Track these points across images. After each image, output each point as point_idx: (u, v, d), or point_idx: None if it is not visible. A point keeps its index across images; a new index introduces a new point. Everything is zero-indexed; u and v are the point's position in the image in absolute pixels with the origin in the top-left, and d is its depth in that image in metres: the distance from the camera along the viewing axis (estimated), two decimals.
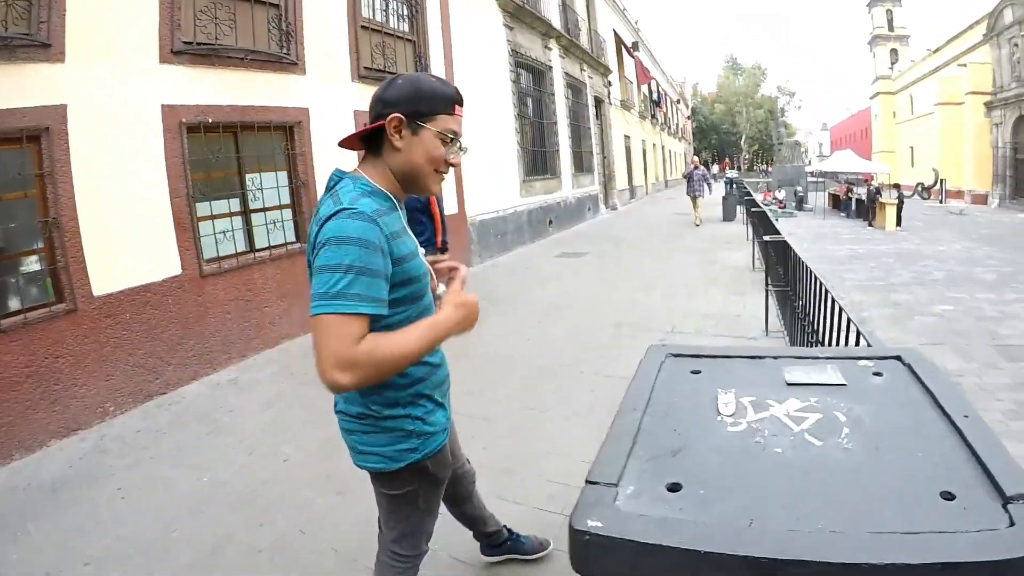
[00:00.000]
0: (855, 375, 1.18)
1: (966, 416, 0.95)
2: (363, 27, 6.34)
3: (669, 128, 32.81)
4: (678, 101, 39.34)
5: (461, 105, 1.20)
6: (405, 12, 7.23)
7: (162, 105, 4.31)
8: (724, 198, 13.79)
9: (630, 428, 1.00)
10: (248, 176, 5.15)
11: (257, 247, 5.20)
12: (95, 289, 3.85)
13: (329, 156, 5.88)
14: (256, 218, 5.23)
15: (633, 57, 20.96)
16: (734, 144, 59.06)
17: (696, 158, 13.15)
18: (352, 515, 2.41)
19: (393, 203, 1.19)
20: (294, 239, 5.61)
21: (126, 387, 3.98)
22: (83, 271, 3.79)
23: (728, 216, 13.33)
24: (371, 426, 1.21)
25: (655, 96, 26.37)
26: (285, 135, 5.50)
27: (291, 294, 5.36)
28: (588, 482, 0.81)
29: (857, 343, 2.02)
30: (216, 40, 4.63)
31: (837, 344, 2.35)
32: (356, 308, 0.98)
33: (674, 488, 0.81)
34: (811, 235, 14.20)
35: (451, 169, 1.25)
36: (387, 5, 6.88)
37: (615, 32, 19.67)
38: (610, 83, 17.96)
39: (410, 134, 1.16)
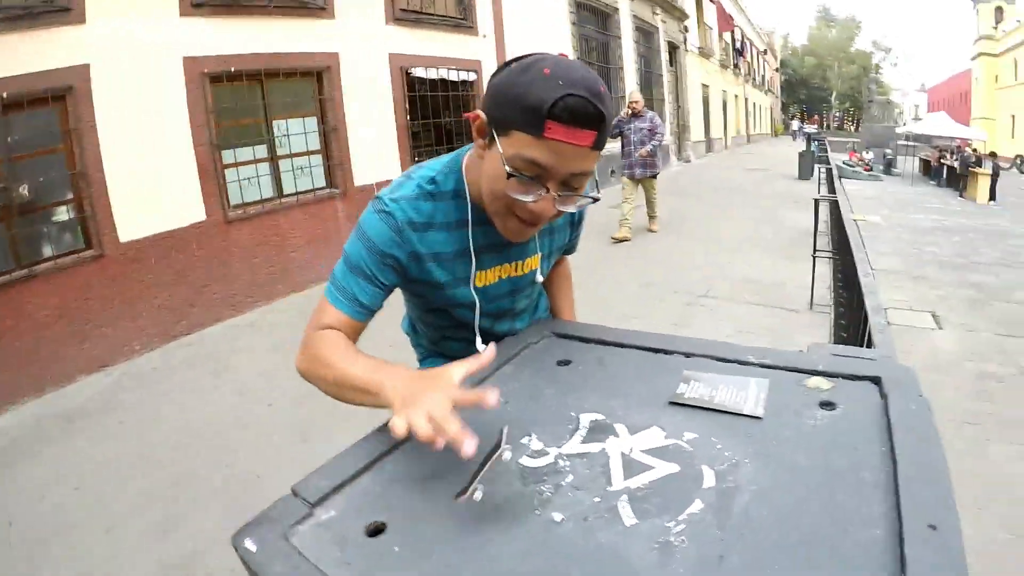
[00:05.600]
0: (788, 403, 0.74)
1: (932, 527, 0.49)
2: None
3: (754, 80, 30.91)
4: (765, 52, 36.95)
5: (568, 123, 0.71)
6: None
7: (184, 57, 4.30)
8: (801, 154, 13.14)
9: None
10: (275, 122, 5.12)
11: (284, 193, 5.22)
12: (122, 236, 3.99)
13: (361, 101, 5.76)
14: (284, 164, 5.23)
15: (713, 2, 19.56)
16: (824, 101, 56.60)
17: (638, 97, 6.26)
18: (309, 463, 2.47)
19: (463, 218, 0.90)
20: (324, 184, 5.59)
21: (152, 328, 4.16)
22: (110, 220, 3.93)
23: (804, 174, 12.90)
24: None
25: (738, 45, 24.75)
26: (314, 81, 5.40)
27: (319, 238, 5.38)
28: (292, 490, 0.67)
29: (867, 342, 1.72)
30: None
31: (862, 336, 2.03)
32: (336, 300, 0.92)
33: (375, 532, 0.59)
34: (895, 201, 12.90)
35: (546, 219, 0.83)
36: None
37: None
38: (687, 28, 16.75)
39: (487, 144, 0.80)
